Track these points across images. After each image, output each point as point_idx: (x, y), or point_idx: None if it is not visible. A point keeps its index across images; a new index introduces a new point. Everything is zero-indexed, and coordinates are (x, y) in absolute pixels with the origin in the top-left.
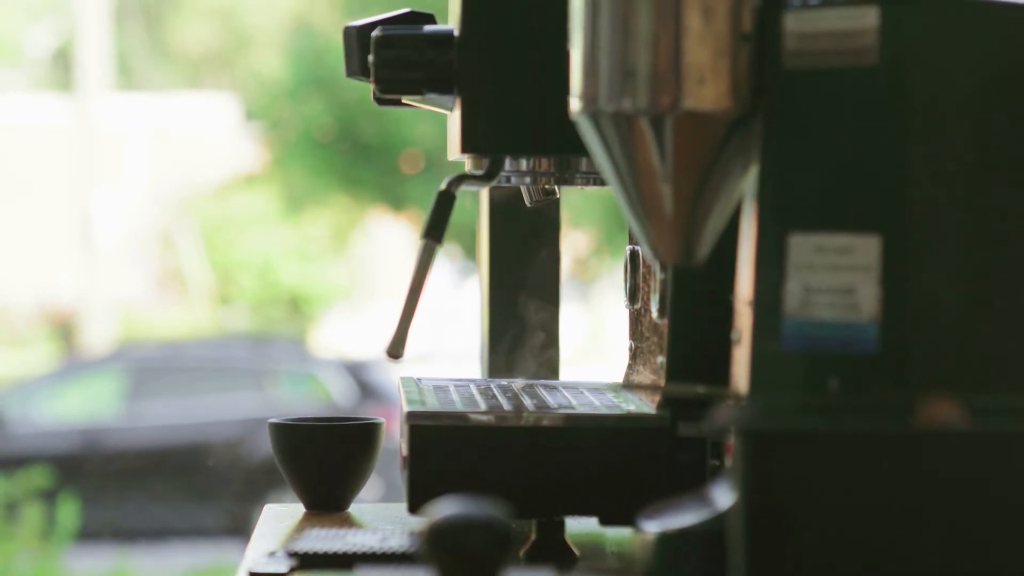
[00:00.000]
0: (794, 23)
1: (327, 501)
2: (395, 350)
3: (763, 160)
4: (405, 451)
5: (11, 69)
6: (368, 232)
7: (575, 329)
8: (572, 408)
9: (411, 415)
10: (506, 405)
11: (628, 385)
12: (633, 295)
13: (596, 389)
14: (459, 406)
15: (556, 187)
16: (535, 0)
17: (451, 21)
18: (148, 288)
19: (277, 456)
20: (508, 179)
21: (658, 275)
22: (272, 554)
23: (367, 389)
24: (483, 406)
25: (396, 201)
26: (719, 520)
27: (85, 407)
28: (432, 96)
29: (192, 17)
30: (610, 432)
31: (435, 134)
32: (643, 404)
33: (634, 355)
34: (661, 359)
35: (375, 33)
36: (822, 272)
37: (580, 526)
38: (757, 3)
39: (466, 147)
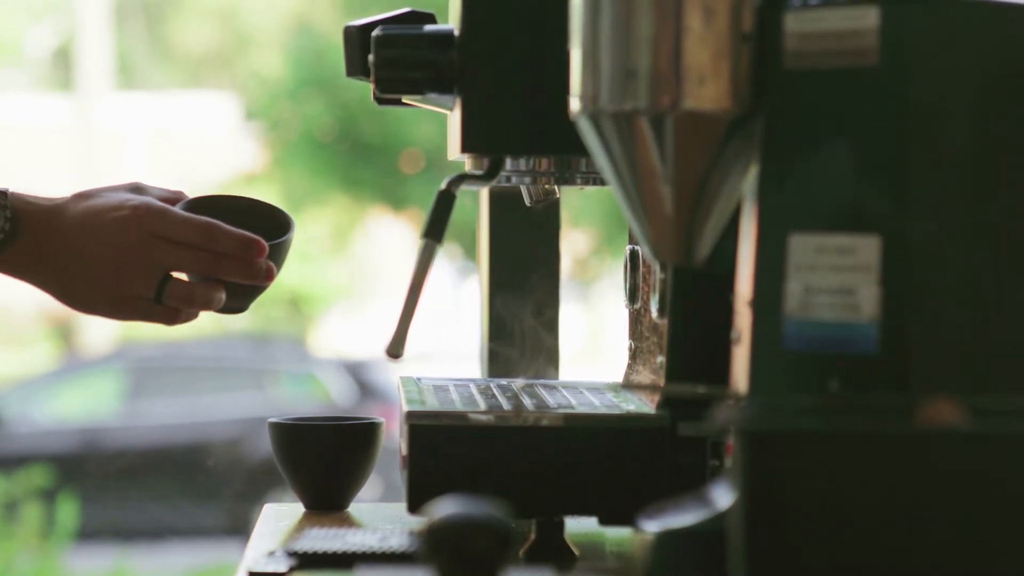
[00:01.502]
0: (794, 23)
1: (327, 501)
2: (395, 350)
3: (763, 160)
4: (405, 451)
5: (11, 69)
6: (368, 232)
7: (575, 329)
8: (572, 408)
9: (411, 415)
10: (506, 405)
11: (628, 385)
12: (633, 295)
13: (596, 389)
14: (459, 406)
15: (556, 187)
16: (535, 0)
17: (451, 21)
18: None
19: (277, 456)
20: (508, 179)
21: (658, 275)
22: (272, 554)
23: (367, 389)
24: (483, 406)
25: (396, 201)
26: (719, 520)
27: (85, 406)
28: (432, 96)
29: (192, 17)
30: (610, 432)
31: (435, 134)
32: (643, 404)
33: (634, 355)
34: (661, 359)
35: (375, 33)
36: (822, 272)
37: (580, 526)
38: (757, 3)
39: (466, 147)
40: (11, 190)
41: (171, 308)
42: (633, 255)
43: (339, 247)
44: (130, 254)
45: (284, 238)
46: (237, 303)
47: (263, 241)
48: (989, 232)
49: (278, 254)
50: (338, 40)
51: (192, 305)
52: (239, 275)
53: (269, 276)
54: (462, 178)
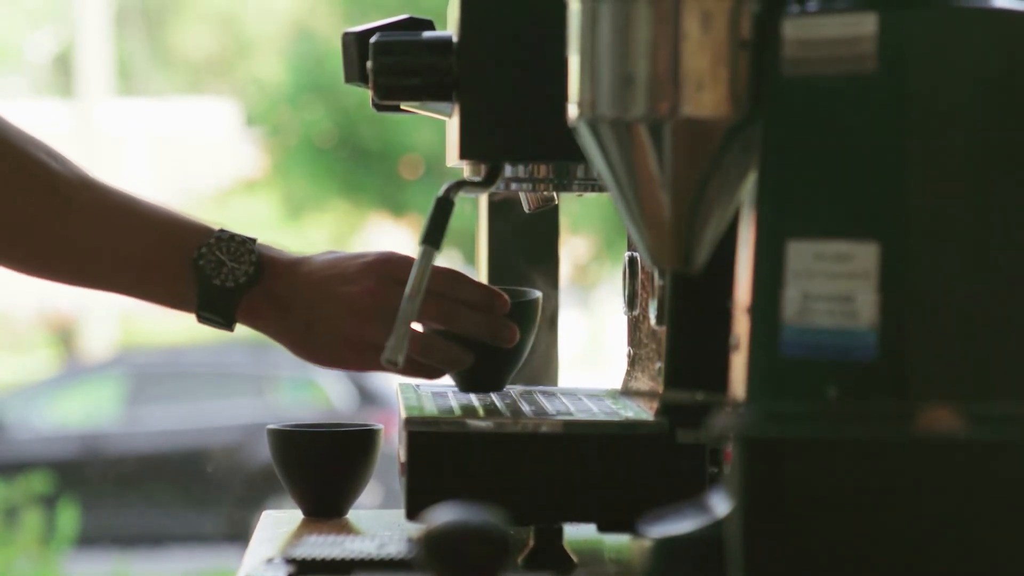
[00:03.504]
0: (793, 30)
1: (325, 507)
2: (393, 357)
3: (762, 167)
4: (403, 457)
5: (12, 74)
6: (368, 238)
7: (574, 335)
8: (570, 415)
9: (409, 421)
10: (504, 412)
11: (626, 392)
12: (632, 301)
13: (594, 396)
14: (457, 413)
15: (555, 193)
16: (534, 7)
17: (450, 27)
18: None
19: (275, 462)
20: (507, 185)
21: (657, 281)
22: (270, 560)
23: (366, 395)
24: (481, 413)
25: (396, 207)
26: (717, 527)
27: (85, 412)
28: (431, 102)
29: (193, 22)
30: (608, 439)
31: (435, 140)
32: (641, 411)
33: (632, 361)
34: (659, 365)
35: (374, 39)
36: (821, 279)
37: (578, 533)
38: (756, 10)
39: (465, 153)
40: (258, 240)
41: (410, 360)
42: (632, 261)
43: None
44: (367, 298)
45: (531, 298)
46: (486, 374)
47: (506, 296)
48: (988, 239)
49: (523, 318)
50: (338, 46)
51: (429, 356)
52: (479, 328)
53: (511, 337)
54: (461, 184)
